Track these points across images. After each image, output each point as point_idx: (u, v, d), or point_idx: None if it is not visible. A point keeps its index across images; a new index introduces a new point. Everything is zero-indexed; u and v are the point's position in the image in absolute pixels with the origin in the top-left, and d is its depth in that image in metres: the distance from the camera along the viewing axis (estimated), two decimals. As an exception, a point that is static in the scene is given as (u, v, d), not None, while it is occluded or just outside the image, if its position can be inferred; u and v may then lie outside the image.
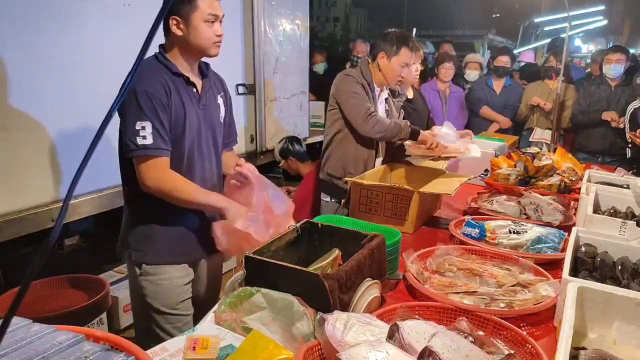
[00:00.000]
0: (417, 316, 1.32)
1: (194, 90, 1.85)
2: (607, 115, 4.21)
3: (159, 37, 1.81)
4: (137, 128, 1.67)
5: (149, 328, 1.90)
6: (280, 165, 3.71)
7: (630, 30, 15.44)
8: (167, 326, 1.88)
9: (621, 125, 4.14)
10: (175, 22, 1.74)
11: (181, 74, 1.80)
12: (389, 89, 2.82)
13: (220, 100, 1.98)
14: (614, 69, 4.23)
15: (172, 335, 1.74)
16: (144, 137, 1.67)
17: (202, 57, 1.85)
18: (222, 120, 1.99)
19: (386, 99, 2.79)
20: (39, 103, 2.36)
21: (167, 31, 1.78)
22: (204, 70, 1.92)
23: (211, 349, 1.16)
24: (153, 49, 1.77)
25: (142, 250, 1.86)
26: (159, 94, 1.71)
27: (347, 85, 2.61)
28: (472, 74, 5.00)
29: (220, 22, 1.79)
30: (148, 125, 1.68)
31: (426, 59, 5.79)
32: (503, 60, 4.81)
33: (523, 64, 6.91)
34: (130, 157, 1.73)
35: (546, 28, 13.84)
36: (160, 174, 1.72)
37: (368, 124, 2.54)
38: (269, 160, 4.10)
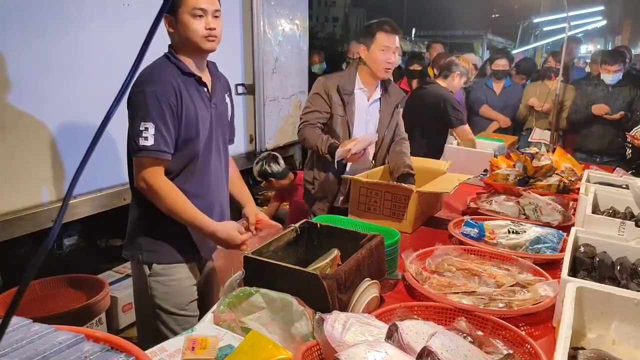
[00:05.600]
0: (416, 316, 1.33)
1: (205, 89, 1.86)
2: (596, 110, 4.21)
3: (160, 37, 1.81)
4: (140, 128, 1.69)
5: (156, 329, 1.89)
6: (262, 184, 3.70)
7: (630, 30, 15.43)
8: (175, 327, 1.89)
9: (617, 116, 4.14)
10: (167, 20, 1.76)
11: (192, 73, 1.81)
12: (384, 86, 2.69)
13: (227, 100, 2.01)
14: (612, 78, 4.23)
15: None
16: (146, 138, 1.69)
17: (202, 54, 1.84)
18: (229, 119, 2.03)
19: (380, 99, 2.68)
20: (39, 103, 2.36)
21: (168, 30, 1.80)
22: (213, 70, 1.93)
23: (210, 349, 1.16)
24: (154, 49, 1.78)
25: (154, 251, 1.86)
26: (168, 96, 1.72)
27: (312, 89, 2.66)
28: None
29: (216, 17, 1.77)
30: (151, 127, 1.69)
31: (424, 58, 5.82)
32: (501, 64, 4.84)
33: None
34: (132, 156, 1.75)
35: (545, 28, 13.86)
36: (154, 177, 1.73)
37: (299, 134, 2.60)
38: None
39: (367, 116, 2.65)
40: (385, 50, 2.50)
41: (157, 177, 1.74)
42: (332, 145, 2.44)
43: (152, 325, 1.91)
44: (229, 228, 1.83)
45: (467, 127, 3.51)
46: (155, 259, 1.87)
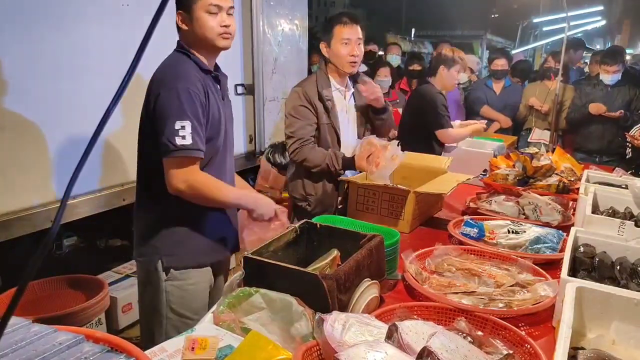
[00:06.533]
0: (415, 316, 1.33)
1: (218, 87, 1.86)
2: (593, 109, 4.22)
3: (159, 37, 1.81)
4: (176, 127, 1.63)
5: (168, 333, 1.83)
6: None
7: (629, 31, 15.45)
8: None
9: (616, 114, 4.15)
10: (180, 17, 1.74)
11: (210, 70, 1.80)
12: (352, 79, 2.60)
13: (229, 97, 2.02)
14: (612, 79, 4.25)
15: None
16: (183, 137, 1.64)
17: (216, 52, 1.82)
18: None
19: (353, 94, 2.60)
20: (38, 103, 2.36)
21: (178, 28, 1.78)
22: (218, 67, 1.93)
23: (210, 350, 1.16)
24: (155, 49, 1.77)
25: (173, 255, 1.82)
26: (200, 93, 1.69)
27: (290, 102, 2.49)
28: (462, 76, 4.99)
29: (229, 14, 1.76)
30: (188, 125, 1.64)
31: (424, 58, 5.82)
32: (500, 64, 4.86)
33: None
34: (166, 157, 1.68)
35: (545, 28, 13.87)
36: (192, 175, 1.69)
37: (297, 155, 2.42)
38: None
39: (347, 115, 2.58)
40: (347, 43, 2.39)
41: (195, 174, 1.70)
42: (346, 159, 2.38)
43: (163, 330, 1.86)
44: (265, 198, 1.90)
45: (448, 130, 3.37)
46: (175, 262, 1.82)
